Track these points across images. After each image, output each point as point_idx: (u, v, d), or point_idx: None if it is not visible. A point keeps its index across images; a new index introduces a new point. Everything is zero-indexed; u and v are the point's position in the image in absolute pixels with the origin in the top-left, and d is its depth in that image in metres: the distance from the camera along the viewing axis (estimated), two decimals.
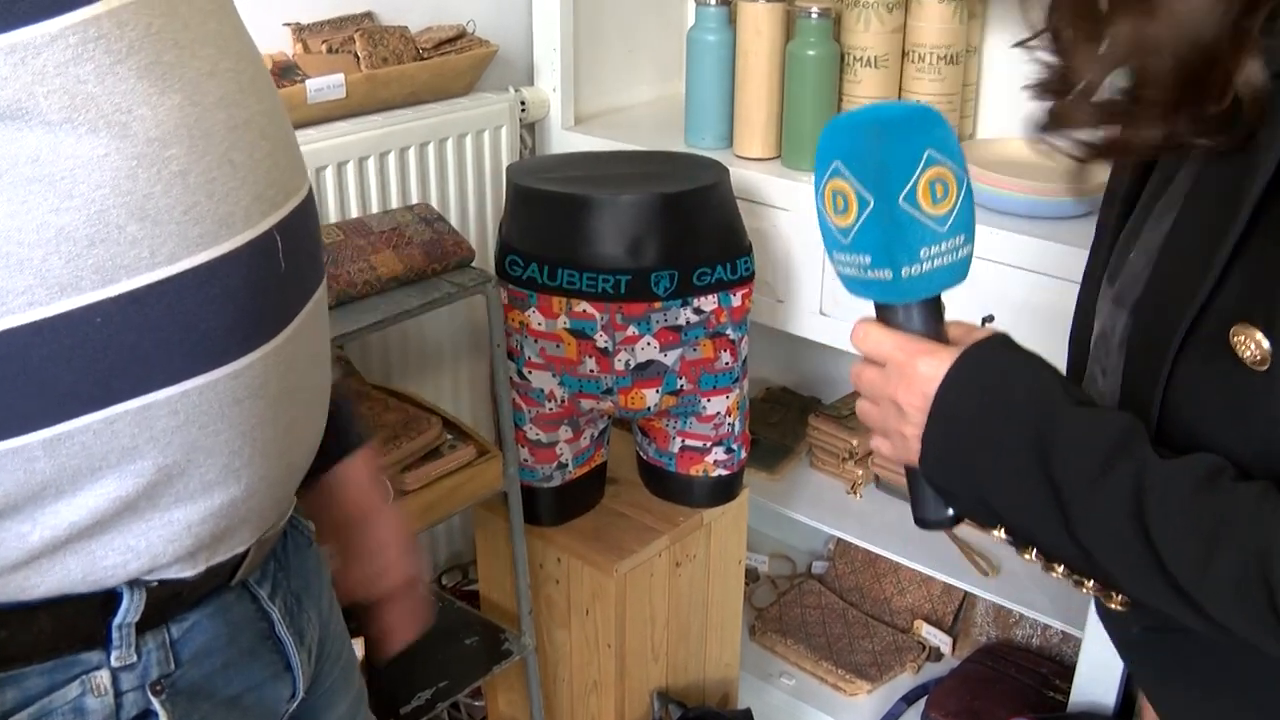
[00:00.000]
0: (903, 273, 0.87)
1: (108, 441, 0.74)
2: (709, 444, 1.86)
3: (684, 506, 1.93)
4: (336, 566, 1.13)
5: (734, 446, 1.88)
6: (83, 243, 0.70)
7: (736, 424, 1.86)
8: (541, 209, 1.71)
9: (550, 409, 1.79)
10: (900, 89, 1.94)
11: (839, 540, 2.48)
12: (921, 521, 0.93)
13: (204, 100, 0.75)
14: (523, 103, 2.18)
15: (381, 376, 1.97)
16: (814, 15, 1.87)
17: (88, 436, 0.73)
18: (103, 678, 0.82)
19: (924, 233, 0.86)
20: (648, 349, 1.73)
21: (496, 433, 1.80)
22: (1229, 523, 0.74)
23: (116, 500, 0.76)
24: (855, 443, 2.23)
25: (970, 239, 0.89)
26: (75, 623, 0.81)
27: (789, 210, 1.89)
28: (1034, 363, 0.85)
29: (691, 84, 2.11)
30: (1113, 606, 0.90)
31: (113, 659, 0.83)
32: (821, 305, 1.94)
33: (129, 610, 0.82)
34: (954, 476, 0.88)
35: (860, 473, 2.24)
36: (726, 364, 1.79)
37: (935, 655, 2.35)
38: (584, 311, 1.71)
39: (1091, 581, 0.89)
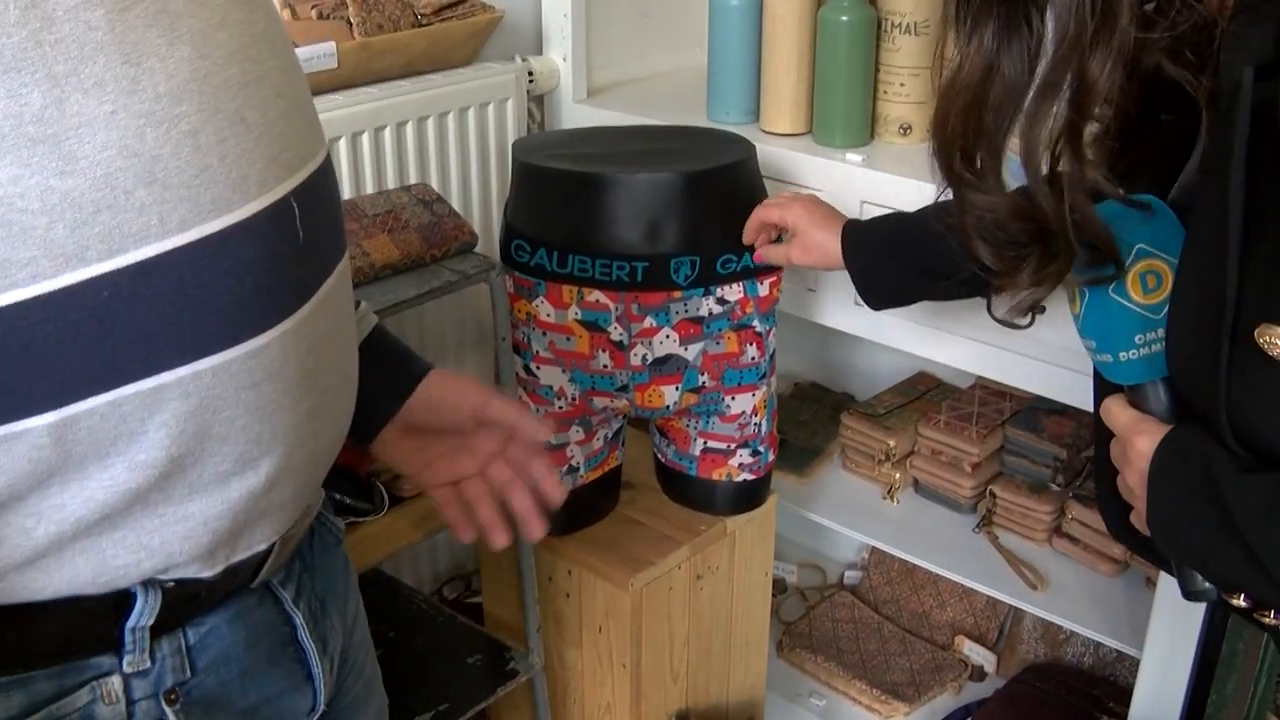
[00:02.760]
0: (1120, 356, 1.01)
1: (115, 426, 0.73)
2: (733, 446, 1.83)
3: (706, 514, 1.90)
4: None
5: (760, 449, 1.85)
6: (88, 209, 0.69)
7: (763, 424, 1.83)
8: (550, 189, 1.68)
9: (560, 407, 1.76)
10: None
11: (874, 549, 2.46)
12: (1186, 594, 1.04)
13: (214, 53, 0.74)
14: (530, 73, 2.17)
15: None
16: None
17: (94, 420, 0.73)
18: (114, 684, 0.83)
19: (1138, 321, 0.99)
20: (667, 342, 1.70)
21: None
22: None
23: (126, 491, 0.76)
24: (892, 443, 2.20)
25: None
26: (86, 625, 0.81)
27: (821, 190, 1.86)
28: (1204, 439, 0.94)
29: (714, 53, 2.08)
30: None
31: (125, 664, 0.83)
32: (855, 295, 1.91)
33: (143, 613, 0.82)
34: (1171, 544, 0.99)
35: (897, 476, 2.21)
36: (753, 359, 1.76)
37: (978, 675, 2.33)
38: (597, 301, 1.68)
39: None
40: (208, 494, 0.79)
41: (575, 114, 2.23)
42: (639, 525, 1.88)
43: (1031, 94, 0.91)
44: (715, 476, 1.86)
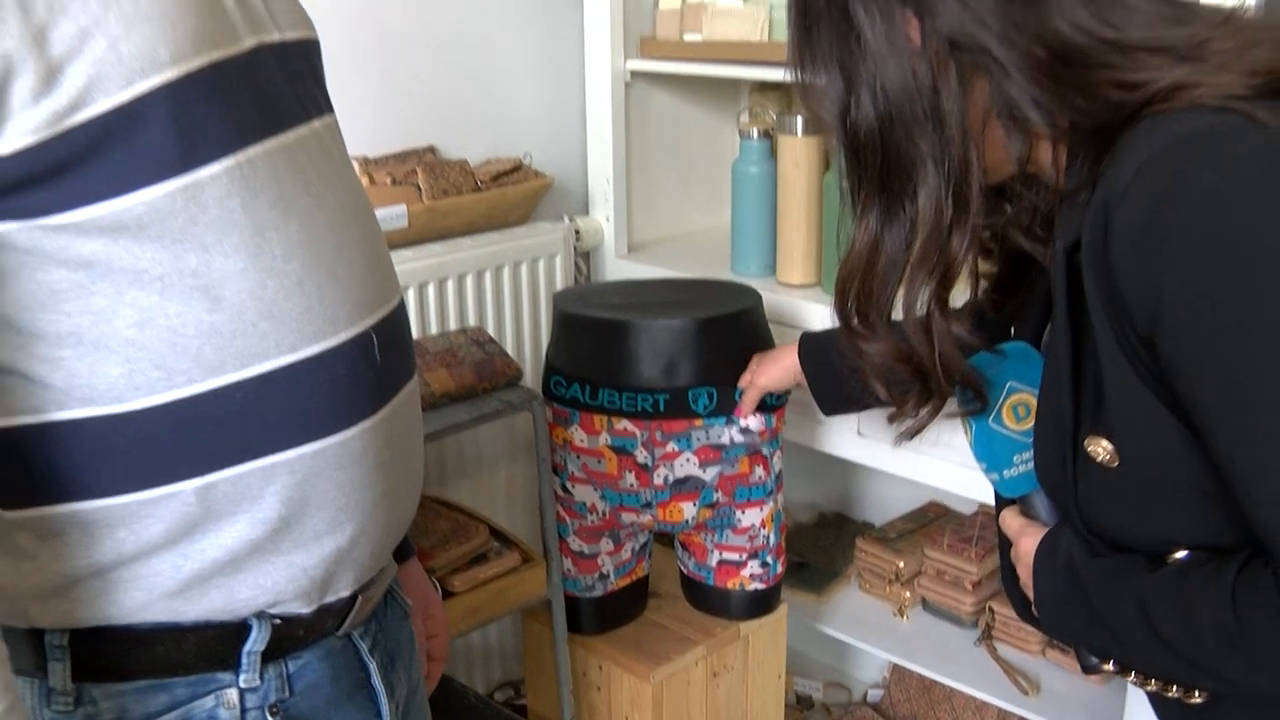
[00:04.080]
0: (1005, 474, 1.29)
1: (242, 491, 1.04)
2: (744, 556, 2.14)
3: (722, 619, 2.20)
4: None
5: (769, 560, 2.16)
6: (227, 335, 1.00)
7: (771, 536, 2.14)
8: (583, 333, 2.03)
9: (592, 521, 2.09)
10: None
11: (894, 667, 2.73)
12: (1084, 669, 1.24)
13: (315, 227, 1.06)
14: (577, 231, 2.53)
15: (434, 486, 2.29)
16: None
17: (227, 486, 1.03)
18: (232, 695, 1.10)
19: (1013, 444, 1.27)
20: (687, 465, 2.03)
21: (543, 543, 2.09)
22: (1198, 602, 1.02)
23: (248, 541, 1.05)
24: (901, 564, 2.49)
25: None
26: (215, 646, 1.09)
27: None
28: (1068, 535, 1.18)
29: (737, 214, 2.44)
30: (1193, 700, 1.17)
31: (241, 680, 1.11)
32: (859, 426, 2.22)
33: (257, 639, 1.10)
34: (1054, 626, 1.22)
35: (907, 594, 2.50)
36: (760, 478, 2.08)
37: None
38: (624, 429, 2.01)
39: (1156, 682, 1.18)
40: (306, 547, 1.09)
41: (617, 267, 2.60)
42: (662, 628, 2.19)
43: (909, 267, 1.16)
44: (730, 585, 2.17)
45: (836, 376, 1.79)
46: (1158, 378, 1.01)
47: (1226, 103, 0.97)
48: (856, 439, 2.23)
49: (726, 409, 2.02)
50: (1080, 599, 1.14)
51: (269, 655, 1.11)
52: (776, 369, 1.94)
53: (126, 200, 0.94)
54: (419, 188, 2.26)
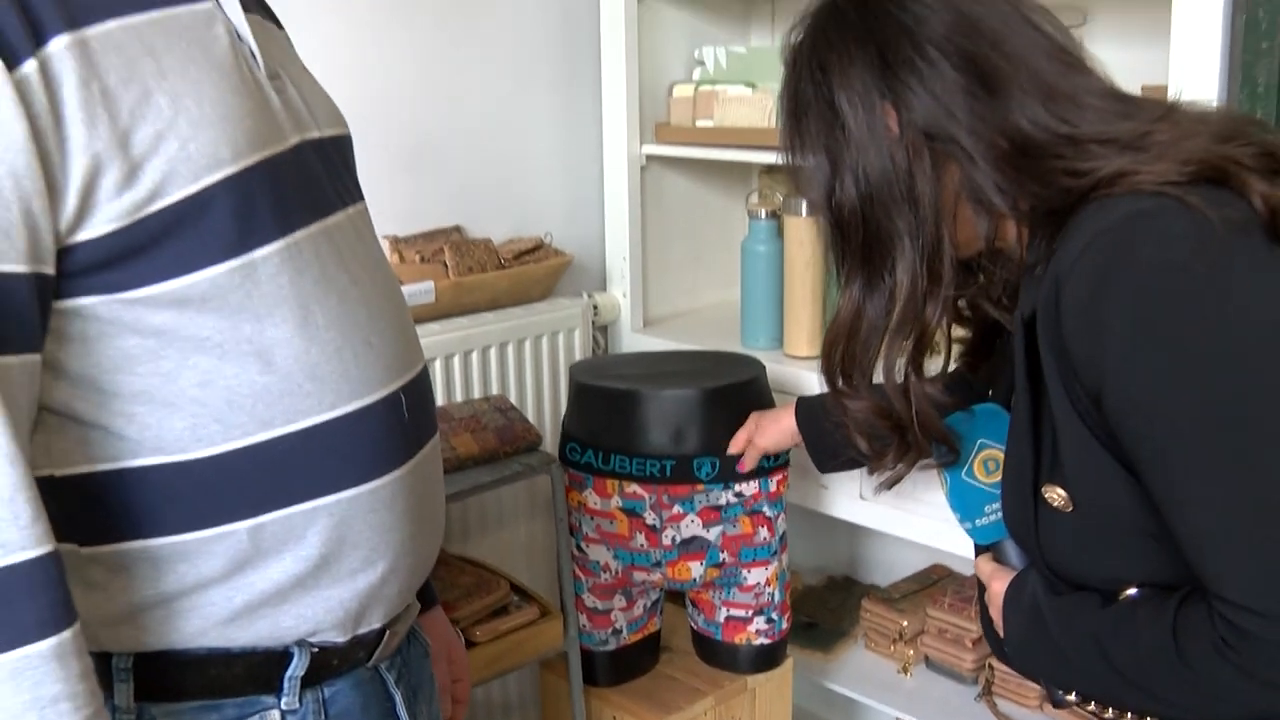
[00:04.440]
0: (977, 523, 1.45)
1: (288, 531, 1.18)
2: (750, 613, 2.27)
3: (730, 672, 2.33)
4: None
5: (774, 616, 2.29)
6: (276, 394, 1.15)
7: (776, 594, 2.27)
8: (596, 403, 2.19)
9: (606, 579, 2.23)
10: None
11: None
12: (1053, 704, 1.35)
13: (351, 301, 1.22)
14: (595, 307, 2.69)
15: (458, 543, 2.44)
16: None
17: (275, 526, 1.16)
18: (274, 716, 1.23)
19: (984, 496, 1.43)
20: (691, 526, 2.17)
21: (560, 599, 2.23)
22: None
23: (292, 576, 1.19)
24: (904, 623, 2.61)
25: None
26: (260, 671, 1.22)
27: None
28: (1034, 577, 1.31)
29: (746, 290, 2.60)
30: None
31: (283, 703, 1.24)
32: (861, 490, 2.36)
33: (297, 665, 1.23)
34: (1023, 662, 1.35)
35: (910, 652, 2.62)
36: (764, 539, 2.22)
37: None
38: (634, 492, 2.16)
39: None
40: (342, 582, 1.23)
41: (633, 340, 2.75)
42: (673, 680, 2.33)
43: (888, 332, 1.31)
44: (737, 640, 2.30)
45: (831, 436, 1.89)
46: (1104, 431, 1.14)
47: (1162, 188, 1.11)
48: (859, 502, 2.36)
49: (727, 476, 2.16)
50: (1044, 634, 1.26)
51: (307, 681, 1.24)
52: (775, 430, 2.07)
53: (192, 278, 1.09)
54: (446, 265, 2.42)
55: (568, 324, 2.62)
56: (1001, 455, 1.39)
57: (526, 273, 2.53)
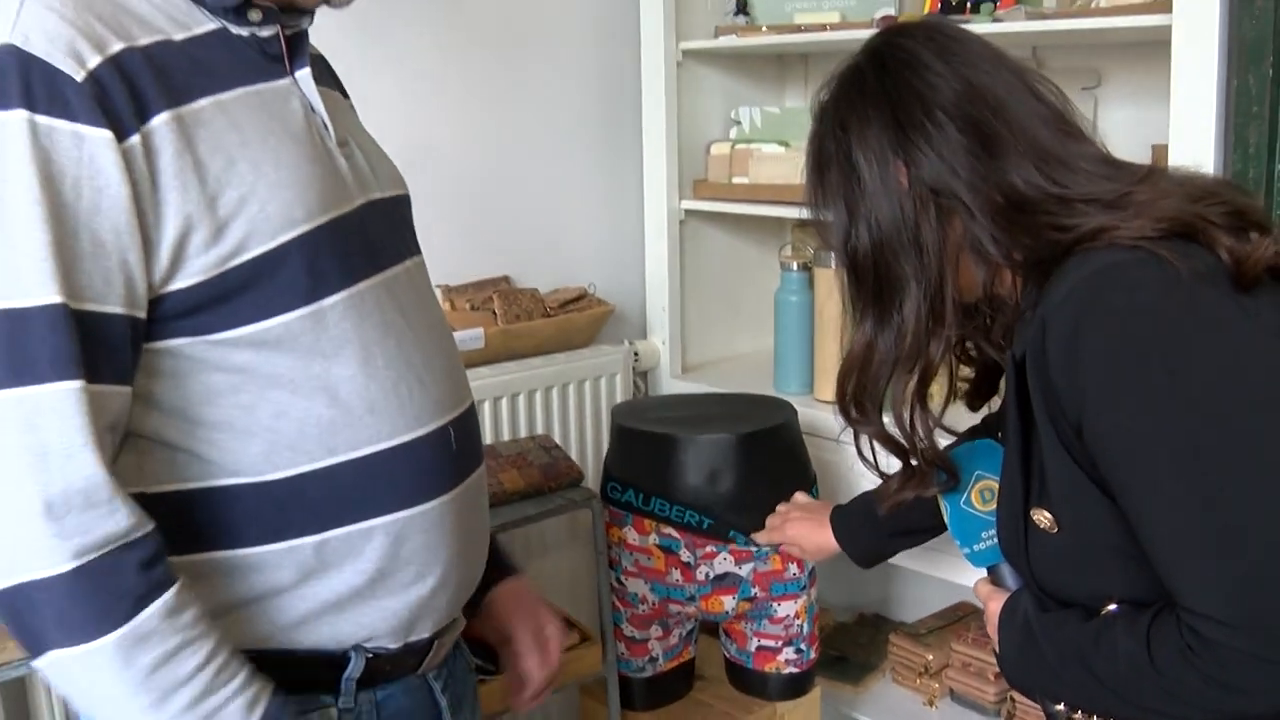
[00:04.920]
0: (975, 548, 1.56)
1: (349, 547, 1.30)
2: (780, 644, 2.40)
3: (761, 699, 2.46)
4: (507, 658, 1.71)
5: (803, 647, 2.42)
6: (340, 425, 1.28)
7: (805, 626, 2.40)
8: (637, 445, 2.33)
9: (643, 611, 2.37)
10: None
11: None
12: (1048, 717, 1.44)
13: (406, 343, 1.36)
14: (636, 354, 2.85)
15: None
16: None
17: (337, 542, 1.29)
18: (333, 713, 1.37)
19: (981, 523, 1.54)
20: (725, 563, 2.30)
21: (600, 628, 2.37)
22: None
23: (351, 588, 1.31)
24: (930, 658, 2.73)
25: None
26: (322, 672, 1.35)
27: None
28: (1026, 597, 1.43)
29: (779, 338, 2.75)
30: None
31: (340, 702, 1.37)
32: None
33: (354, 668, 1.36)
34: (1017, 678, 1.45)
35: (935, 686, 2.74)
36: (794, 574, 2.35)
37: None
38: (670, 533, 2.30)
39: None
40: (395, 594, 1.36)
41: (672, 385, 2.90)
42: (706, 705, 2.46)
43: (896, 365, 1.42)
44: (767, 669, 2.43)
45: (870, 539, 2.01)
46: (1085, 459, 1.27)
47: (1138, 242, 1.24)
48: None
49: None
50: (1034, 649, 1.38)
51: (362, 684, 1.38)
52: (814, 543, 2.10)
53: (269, 323, 1.24)
54: (495, 313, 2.58)
55: (609, 369, 2.77)
56: (996, 485, 1.51)
57: (571, 321, 2.68)
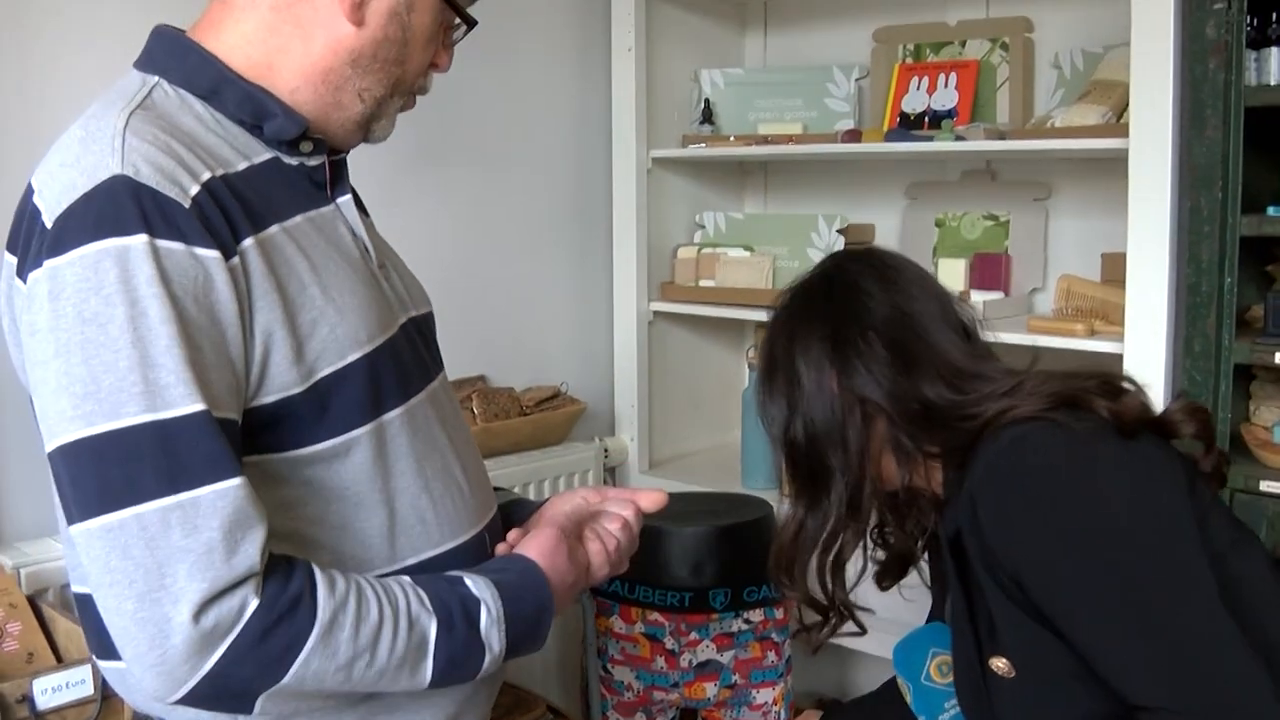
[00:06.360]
0: (939, 719, 1.68)
1: None
2: None
3: None
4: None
5: None
6: (398, 533, 1.38)
7: (782, 713, 2.52)
8: None
9: (628, 698, 2.48)
10: None
11: None
12: None
13: (447, 457, 1.47)
14: (606, 450, 2.97)
15: None
16: None
17: None
18: None
19: (941, 694, 1.66)
20: (707, 650, 2.42)
21: (586, 715, 2.47)
22: None
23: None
24: None
25: None
26: None
27: None
28: None
29: (746, 435, 2.89)
30: None
31: None
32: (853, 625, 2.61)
33: None
34: None
35: None
36: (772, 662, 2.47)
37: None
38: (655, 619, 2.41)
39: None
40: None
41: (640, 480, 3.03)
42: None
43: (818, 545, 1.60)
44: None
45: None
46: (1028, 604, 1.42)
47: (1035, 415, 1.45)
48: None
49: (738, 604, 2.43)
50: None
51: None
52: None
53: (337, 439, 1.33)
54: (474, 412, 2.68)
55: (582, 466, 2.89)
56: (950, 658, 1.66)
57: (546, 419, 2.80)
